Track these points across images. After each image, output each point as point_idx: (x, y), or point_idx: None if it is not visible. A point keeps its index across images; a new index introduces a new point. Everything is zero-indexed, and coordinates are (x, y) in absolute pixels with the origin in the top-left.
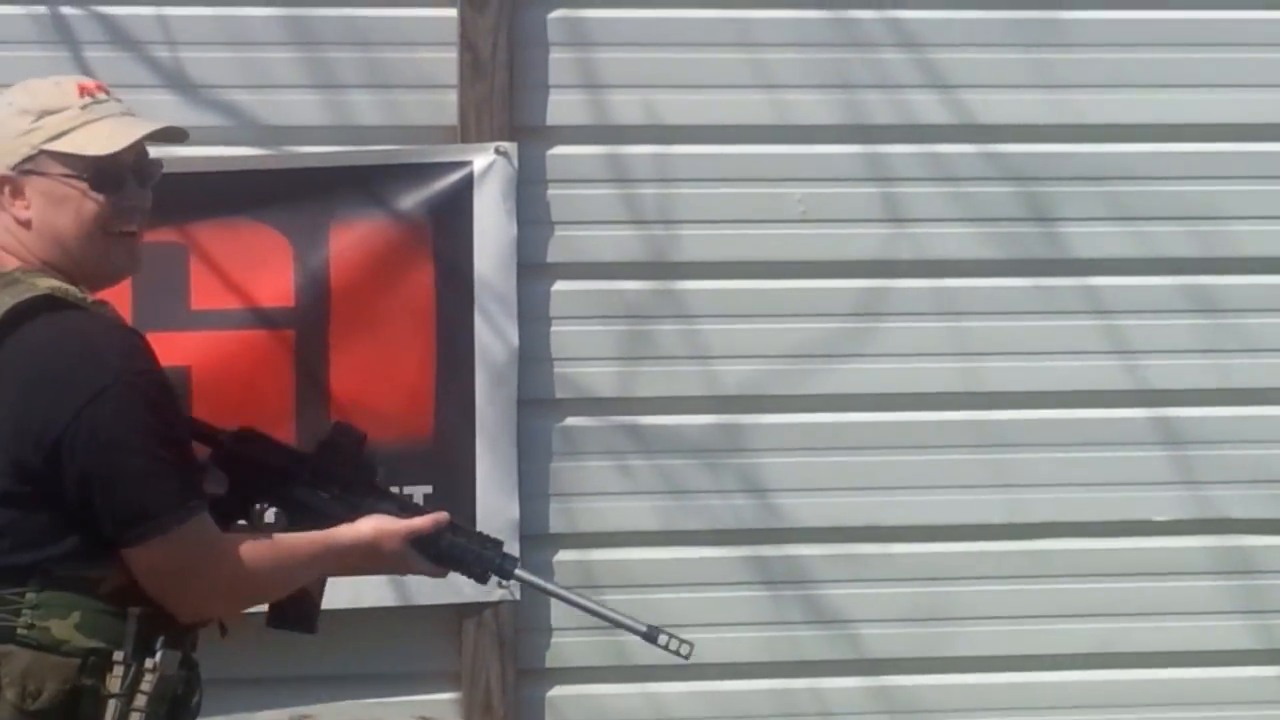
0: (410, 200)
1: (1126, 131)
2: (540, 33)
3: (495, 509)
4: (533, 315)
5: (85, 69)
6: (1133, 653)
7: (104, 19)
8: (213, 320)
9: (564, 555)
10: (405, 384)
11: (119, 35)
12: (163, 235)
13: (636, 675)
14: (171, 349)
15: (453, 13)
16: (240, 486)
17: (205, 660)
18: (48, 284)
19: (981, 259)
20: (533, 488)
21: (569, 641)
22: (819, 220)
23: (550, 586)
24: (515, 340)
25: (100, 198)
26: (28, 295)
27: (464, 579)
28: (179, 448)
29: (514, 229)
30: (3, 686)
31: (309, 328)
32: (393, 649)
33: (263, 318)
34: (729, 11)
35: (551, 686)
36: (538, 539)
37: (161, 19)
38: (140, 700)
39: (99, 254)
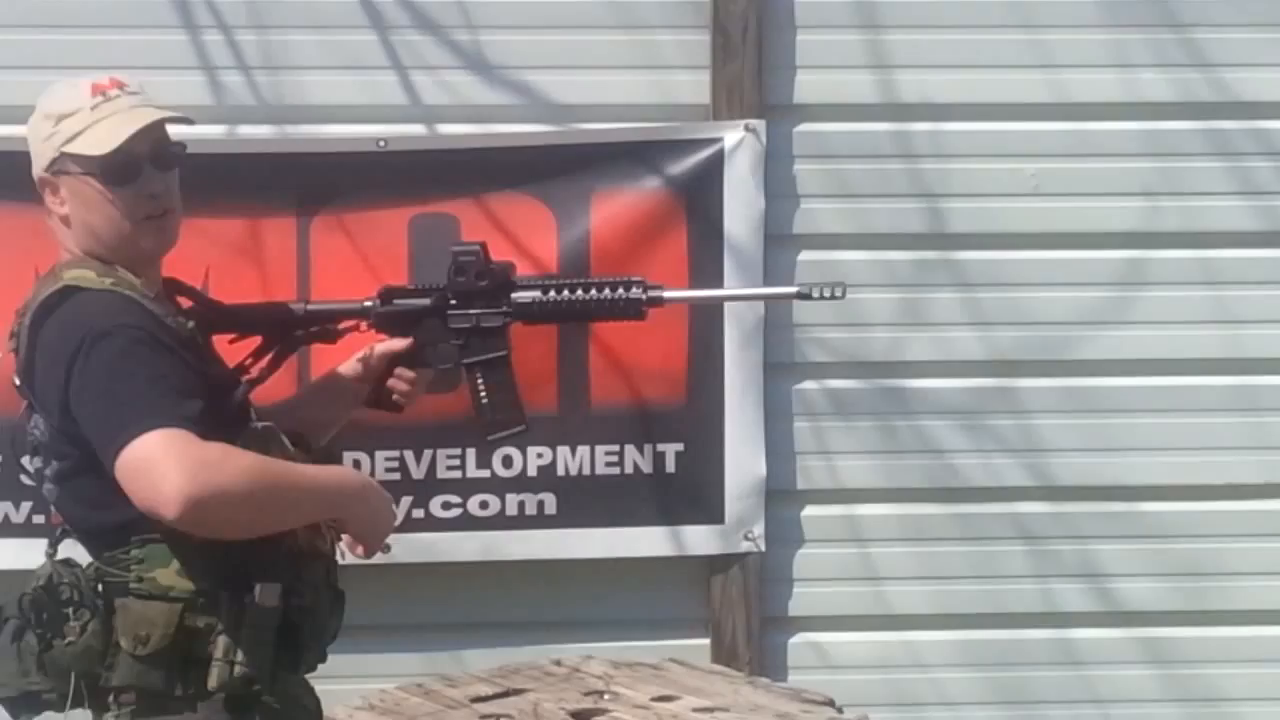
0: (665, 174)
1: None
2: (788, 15)
3: (743, 466)
4: (778, 283)
5: (379, 51)
6: None
7: (393, 5)
8: None
9: (810, 510)
10: (660, 348)
11: (408, 20)
12: (439, 207)
13: (878, 624)
14: None
15: None
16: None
17: (474, 605)
18: (71, 275)
19: (1244, 231)
20: (778, 446)
21: (812, 591)
22: (1072, 194)
23: (691, 294)
24: (761, 307)
25: (117, 191)
26: (51, 288)
27: (715, 532)
28: (161, 387)
29: (762, 201)
30: (119, 637)
31: None
32: (647, 597)
33: None
34: None
35: (794, 634)
36: (783, 494)
37: (452, 5)
38: (245, 633)
39: (129, 240)
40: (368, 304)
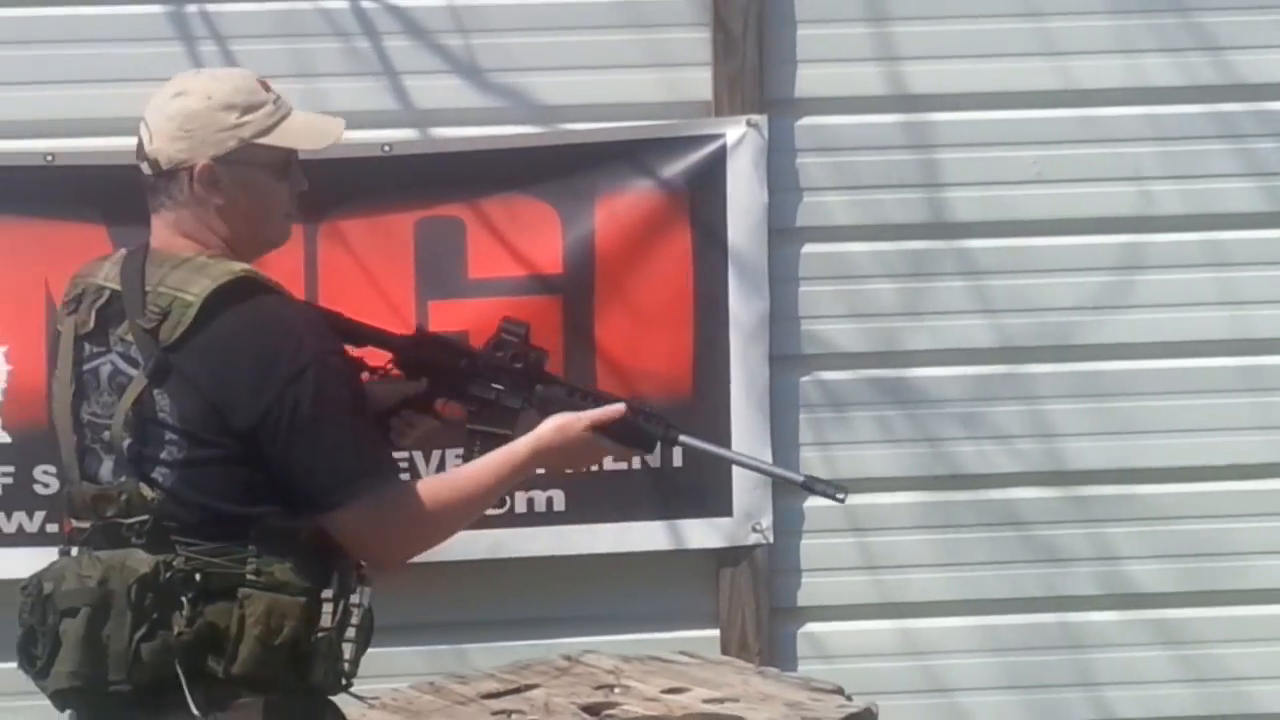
0: (668, 171)
1: None
2: (789, 10)
3: None
4: (783, 277)
5: (383, 57)
6: None
7: (397, 10)
8: (489, 289)
9: (817, 501)
10: (666, 343)
11: (412, 26)
12: (444, 210)
13: (886, 613)
14: (451, 316)
15: None
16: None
17: (484, 603)
18: (240, 267)
19: (1250, 212)
20: (783, 438)
21: (820, 581)
22: (1077, 180)
23: (709, 447)
24: (767, 300)
25: (281, 186)
26: (228, 278)
27: (723, 525)
28: (366, 417)
29: (765, 196)
30: (247, 625)
31: (577, 293)
32: (655, 591)
33: (534, 285)
34: None
35: (804, 624)
36: (788, 486)
37: (453, 10)
38: (350, 632)
39: (277, 234)
40: (399, 340)
